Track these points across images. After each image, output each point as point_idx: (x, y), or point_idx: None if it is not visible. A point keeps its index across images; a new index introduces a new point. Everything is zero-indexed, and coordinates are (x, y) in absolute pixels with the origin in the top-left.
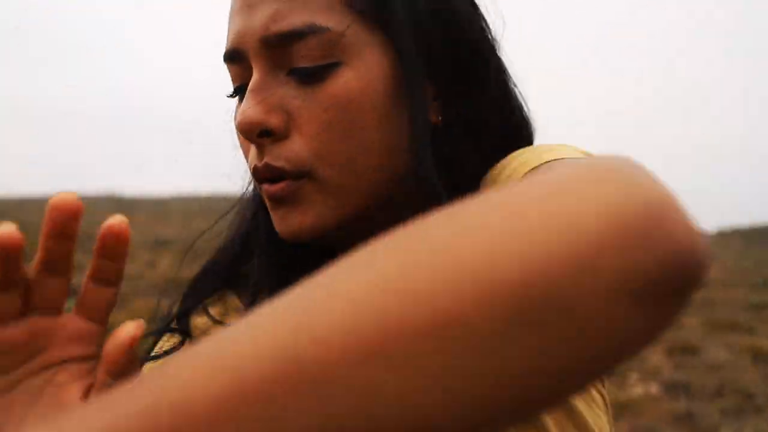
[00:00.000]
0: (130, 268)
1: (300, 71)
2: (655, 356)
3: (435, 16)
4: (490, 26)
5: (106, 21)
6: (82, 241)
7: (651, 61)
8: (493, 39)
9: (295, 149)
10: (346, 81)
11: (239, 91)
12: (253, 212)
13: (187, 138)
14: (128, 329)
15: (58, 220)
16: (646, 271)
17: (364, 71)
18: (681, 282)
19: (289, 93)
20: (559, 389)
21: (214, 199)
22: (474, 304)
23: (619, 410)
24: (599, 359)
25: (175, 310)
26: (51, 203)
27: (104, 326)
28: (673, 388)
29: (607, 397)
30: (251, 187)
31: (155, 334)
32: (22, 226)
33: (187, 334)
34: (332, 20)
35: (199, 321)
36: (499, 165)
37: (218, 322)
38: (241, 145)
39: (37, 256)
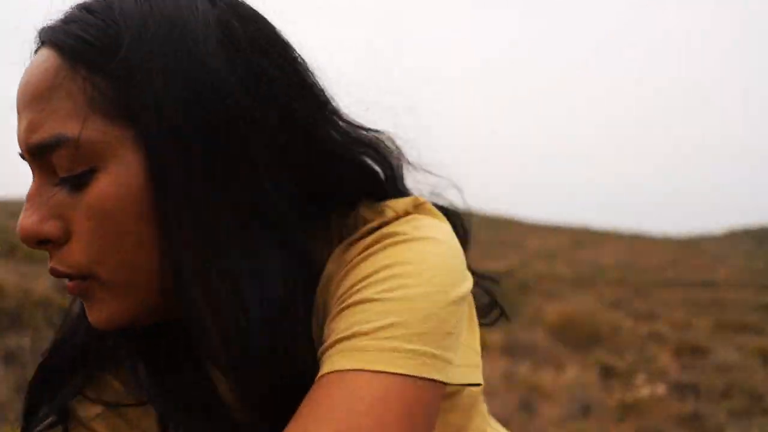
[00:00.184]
0: None
1: (64, 180)
2: (662, 357)
3: (193, 102)
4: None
5: None
6: None
7: (650, 61)
8: (286, 88)
9: (75, 256)
10: (103, 187)
11: None
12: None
13: None
14: None
15: None
16: None
17: (120, 173)
18: None
19: (63, 200)
20: None
21: None
22: None
23: (625, 411)
24: None
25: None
26: None
27: None
28: (680, 389)
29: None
30: None
31: None
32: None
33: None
34: (79, 127)
35: (89, 412)
36: (353, 238)
37: (114, 406)
38: None
39: None
